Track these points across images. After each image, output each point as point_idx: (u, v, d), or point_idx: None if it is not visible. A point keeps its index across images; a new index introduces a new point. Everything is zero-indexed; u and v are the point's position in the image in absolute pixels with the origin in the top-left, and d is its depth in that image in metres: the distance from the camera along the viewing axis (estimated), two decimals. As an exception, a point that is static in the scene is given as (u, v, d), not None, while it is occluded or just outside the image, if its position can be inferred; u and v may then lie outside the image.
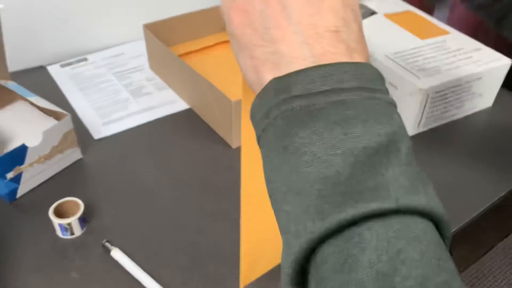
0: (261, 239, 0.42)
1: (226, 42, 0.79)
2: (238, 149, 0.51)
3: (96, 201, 0.53)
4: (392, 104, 0.25)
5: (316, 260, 0.22)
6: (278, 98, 0.24)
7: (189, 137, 0.64)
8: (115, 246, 0.48)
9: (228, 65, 0.74)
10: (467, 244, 0.52)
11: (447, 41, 0.70)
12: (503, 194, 0.55)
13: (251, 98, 0.27)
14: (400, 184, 0.22)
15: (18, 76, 0.71)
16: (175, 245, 0.49)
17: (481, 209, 0.53)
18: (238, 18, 0.27)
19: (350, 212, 0.21)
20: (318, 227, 0.21)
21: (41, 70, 0.76)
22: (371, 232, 0.21)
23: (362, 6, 0.78)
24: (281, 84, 0.25)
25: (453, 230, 0.51)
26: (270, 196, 0.26)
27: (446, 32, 0.72)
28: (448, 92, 0.63)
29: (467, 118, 0.67)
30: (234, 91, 0.62)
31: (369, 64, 0.25)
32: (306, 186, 0.22)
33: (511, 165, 0.59)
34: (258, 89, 0.27)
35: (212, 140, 0.63)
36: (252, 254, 0.43)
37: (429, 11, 1.26)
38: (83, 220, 0.50)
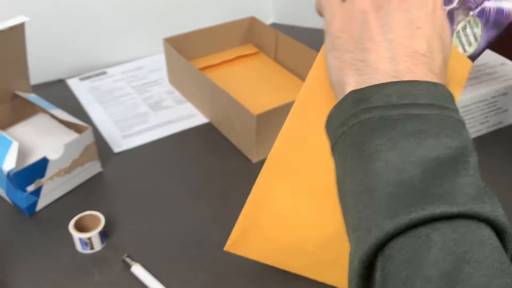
0: (264, 219, 0.42)
1: (246, 56, 0.79)
2: (259, 164, 0.50)
3: (116, 215, 0.53)
4: (461, 122, 0.27)
5: (384, 256, 0.23)
6: (356, 107, 0.27)
7: (209, 151, 0.63)
8: (136, 261, 0.47)
9: (248, 79, 0.73)
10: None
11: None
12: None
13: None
14: (467, 192, 0.23)
15: (38, 89, 0.72)
16: (197, 261, 0.48)
17: None
18: (340, 23, 0.31)
19: (420, 213, 0.23)
20: (389, 225, 0.23)
21: (61, 83, 0.76)
22: (438, 232, 0.22)
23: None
24: (360, 95, 0.27)
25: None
26: (341, 199, 0.28)
27: (469, 47, 0.71)
28: (473, 107, 0.62)
29: (492, 133, 0.66)
30: (255, 105, 0.62)
31: (442, 85, 0.28)
32: (379, 187, 0.24)
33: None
34: (338, 89, 0.30)
35: (232, 155, 0.62)
36: (246, 229, 0.42)
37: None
38: (103, 234, 0.49)
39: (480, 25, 0.44)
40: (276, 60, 0.78)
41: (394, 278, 0.23)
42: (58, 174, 0.53)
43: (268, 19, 0.95)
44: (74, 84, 0.75)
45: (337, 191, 0.29)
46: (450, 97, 0.28)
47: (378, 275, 0.24)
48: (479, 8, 0.43)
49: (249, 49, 0.80)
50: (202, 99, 0.68)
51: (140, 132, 0.65)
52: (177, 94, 0.73)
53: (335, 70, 0.30)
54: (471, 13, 0.43)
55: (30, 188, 0.51)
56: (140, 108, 0.70)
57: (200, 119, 0.68)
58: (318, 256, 0.43)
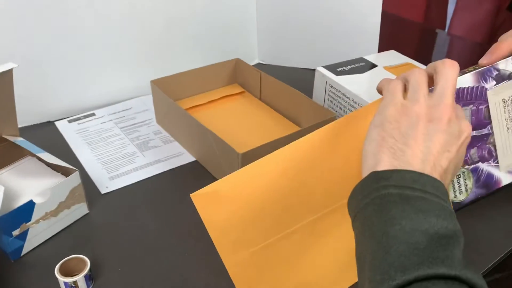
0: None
1: (232, 95, 0.81)
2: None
3: (103, 257, 0.52)
4: (453, 213, 0.34)
5: None
6: (378, 184, 0.35)
7: (196, 189, 0.63)
8: (122, 305, 0.47)
9: (234, 118, 0.75)
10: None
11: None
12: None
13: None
14: (461, 262, 0.30)
15: (27, 131, 0.73)
16: (183, 302, 0.48)
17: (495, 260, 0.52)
18: (396, 113, 0.38)
19: (426, 271, 0.29)
20: (400, 277, 0.29)
21: (49, 125, 0.77)
22: (435, 287, 0.29)
23: (362, 60, 0.80)
24: (382, 174, 0.35)
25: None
26: (358, 259, 0.35)
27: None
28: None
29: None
30: (240, 143, 0.63)
31: (444, 186, 0.36)
32: (393, 246, 0.31)
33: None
34: (369, 160, 0.37)
35: (219, 193, 0.62)
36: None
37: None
38: (89, 278, 0.49)
39: (472, 179, 0.50)
40: (261, 99, 0.80)
41: None
42: (44, 218, 0.53)
43: (254, 59, 0.98)
44: (62, 126, 0.76)
45: (355, 254, 0.35)
46: (446, 194, 0.35)
47: None
48: (473, 166, 0.50)
49: (235, 88, 0.82)
50: (188, 138, 0.69)
51: (128, 172, 0.66)
52: (164, 134, 0.74)
53: (375, 144, 0.38)
54: (466, 166, 0.49)
55: (16, 232, 0.51)
56: (128, 149, 0.71)
57: (187, 157, 0.69)
58: None
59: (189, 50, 0.86)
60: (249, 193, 0.41)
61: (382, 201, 0.34)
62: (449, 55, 1.19)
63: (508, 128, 0.49)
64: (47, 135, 0.74)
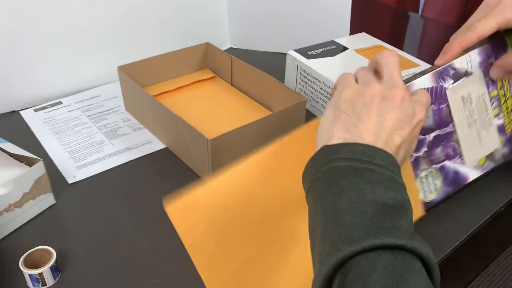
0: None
1: (202, 81, 0.80)
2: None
3: (70, 248, 0.51)
4: (403, 185, 0.35)
5: (342, 273, 0.30)
6: (328, 157, 0.35)
7: (166, 176, 0.63)
8: (90, 295, 0.46)
9: (205, 104, 0.74)
10: (450, 274, 0.52)
11: (417, 69, 0.72)
12: (482, 221, 0.55)
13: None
14: (408, 231, 0.31)
15: (-11, 122, 0.70)
16: (153, 291, 0.47)
17: (461, 239, 0.53)
18: (351, 95, 0.39)
19: (372, 241, 0.30)
20: (347, 249, 0.30)
21: (14, 115, 0.74)
22: (383, 257, 0.30)
23: (333, 43, 0.80)
24: (332, 148, 0.36)
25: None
26: (311, 232, 0.35)
27: (416, 65, 0.75)
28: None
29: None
30: (211, 129, 0.62)
31: (396, 159, 0.36)
32: (341, 218, 0.32)
33: (492, 193, 0.59)
34: (323, 136, 0.38)
35: (189, 179, 0.61)
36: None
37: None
38: (55, 269, 0.48)
39: (441, 178, 0.50)
40: (232, 84, 0.79)
41: None
42: (8, 209, 0.52)
43: (225, 44, 0.97)
44: (28, 116, 0.74)
45: (308, 226, 0.36)
46: (399, 170, 0.36)
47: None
48: (440, 164, 0.50)
49: (205, 74, 0.81)
50: (158, 125, 0.68)
51: (96, 161, 0.64)
52: (133, 121, 0.73)
53: (328, 120, 0.38)
54: (433, 166, 0.49)
55: (-22, 225, 0.49)
56: (95, 137, 0.69)
57: (157, 145, 0.68)
58: None
59: (158, 34, 0.84)
60: (228, 201, 0.40)
61: (332, 174, 0.34)
62: (422, 37, 1.20)
63: (469, 124, 0.50)
64: (11, 125, 0.72)
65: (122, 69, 0.71)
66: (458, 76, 0.48)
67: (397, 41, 1.05)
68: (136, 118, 0.73)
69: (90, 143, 0.68)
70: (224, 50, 0.81)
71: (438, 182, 0.50)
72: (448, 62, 0.47)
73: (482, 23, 0.45)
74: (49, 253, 0.48)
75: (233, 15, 0.93)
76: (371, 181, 0.33)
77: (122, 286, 0.48)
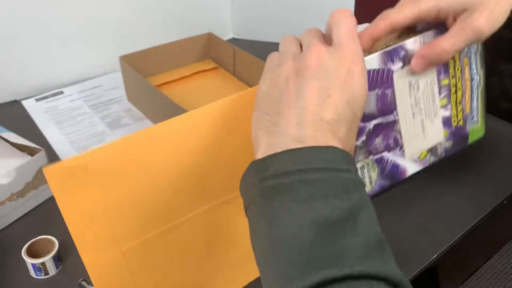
0: None
1: (205, 71, 0.79)
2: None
3: (71, 238, 0.51)
4: (354, 181, 0.28)
5: None
6: (258, 176, 0.29)
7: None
8: (92, 285, 0.46)
9: (207, 94, 0.74)
10: (453, 266, 0.52)
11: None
12: (484, 214, 0.55)
13: None
14: (354, 253, 0.25)
15: (-10, 111, 0.70)
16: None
17: (464, 231, 0.53)
18: (266, 86, 0.32)
19: (313, 279, 0.24)
20: None
21: (15, 104, 0.74)
22: None
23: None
24: (260, 165, 0.29)
25: (440, 252, 0.50)
26: (256, 260, 0.29)
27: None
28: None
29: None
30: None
31: (336, 148, 0.29)
32: (277, 254, 0.26)
33: (494, 186, 0.59)
34: (254, 146, 0.31)
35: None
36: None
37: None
38: (57, 258, 0.48)
39: (377, 170, 0.46)
40: (234, 74, 0.78)
41: None
42: (10, 199, 0.52)
43: (228, 34, 0.96)
44: (30, 105, 0.74)
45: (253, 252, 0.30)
46: (343, 158, 0.29)
47: None
48: (378, 156, 0.45)
49: (207, 64, 0.81)
50: (159, 116, 0.68)
51: (98, 151, 0.64)
52: (136, 111, 0.73)
53: (253, 130, 0.32)
54: (370, 157, 0.45)
55: (-20, 214, 0.49)
56: (97, 127, 0.69)
57: (159, 136, 0.68)
58: None
59: (159, 24, 0.84)
60: (128, 171, 0.33)
61: (262, 198, 0.28)
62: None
63: (413, 114, 0.45)
64: (13, 115, 0.72)
65: (124, 58, 0.70)
66: (408, 59, 0.42)
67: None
68: (139, 108, 0.73)
69: (92, 133, 0.68)
70: (227, 40, 0.80)
71: (374, 174, 0.46)
72: (377, 40, 0.41)
73: (395, 11, 0.38)
74: (51, 243, 0.48)
75: (236, 5, 0.92)
76: (306, 197, 0.27)
77: (124, 276, 0.48)
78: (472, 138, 0.50)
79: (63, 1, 0.72)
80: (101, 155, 0.31)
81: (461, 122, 0.49)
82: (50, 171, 0.29)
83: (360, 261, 0.24)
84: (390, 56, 0.41)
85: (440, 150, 0.49)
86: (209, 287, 0.42)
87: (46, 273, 0.47)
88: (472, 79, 0.47)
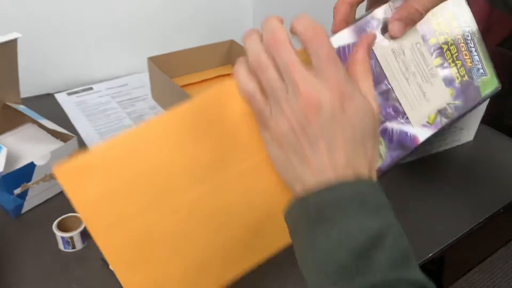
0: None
1: (224, 75, 0.84)
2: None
3: (97, 218, 0.56)
4: (382, 205, 0.33)
5: None
6: (301, 210, 0.33)
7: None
8: (114, 259, 0.50)
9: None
10: (449, 265, 0.55)
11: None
12: (481, 220, 0.59)
13: None
14: (388, 262, 0.30)
15: (27, 102, 0.75)
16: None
17: (460, 234, 0.56)
18: (276, 149, 0.35)
19: (362, 283, 0.30)
20: None
21: (49, 97, 0.80)
22: None
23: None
24: (303, 201, 0.33)
25: (435, 252, 0.54)
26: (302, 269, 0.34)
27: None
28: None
29: (449, 150, 0.71)
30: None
31: (365, 182, 0.33)
32: (320, 271, 0.32)
33: (488, 194, 0.63)
34: (290, 185, 0.35)
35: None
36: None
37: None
38: (84, 234, 0.52)
39: (384, 142, 0.44)
40: (253, 79, 0.83)
41: None
42: (44, 179, 0.57)
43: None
44: (62, 98, 0.79)
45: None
46: (371, 188, 0.33)
47: None
48: (381, 127, 0.44)
49: (228, 69, 0.86)
50: (182, 114, 0.73)
51: (123, 143, 0.69)
52: (160, 109, 0.78)
53: (285, 174, 0.35)
54: None
55: (17, 191, 0.54)
56: (123, 122, 0.74)
57: (180, 132, 0.73)
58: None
59: (184, 30, 0.89)
60: (129, 163, 0.36)
61: (306, 227, 0.33)
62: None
63: (407, 79, 0.44)
64: (46, 106, 0.77)
65: (152, 60, 0.76)
66: (384, 28, 0.42)
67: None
68: (162, 106, 0.78)
69: (118, 126, 0.73)
70: (247, 48, 0.85)
71: (382, 147, 0.45)
72: (340, 26, 0.41)
73: None
74: (79, 220, 0.53)
75: (257, 15, 0.98)
76: (342, 226, 0.31)
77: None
78: (484, 91, 0.47)
79: (98, 2, 0.78)
80: (102, 153, 0.35)
81: (465, 77, 0.47)
82: (59, 172, 0.33)
83: (392, 270, 0.30)
84: (362, 28, 0.41)
85: (450, 110, 0.47)
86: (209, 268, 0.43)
87: (73, 247, 0.52)
88: (463, 32, 0.46)
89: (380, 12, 0.41)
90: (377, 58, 0.42)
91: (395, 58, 0.43)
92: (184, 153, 0.37)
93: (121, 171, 0.35)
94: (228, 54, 0.86)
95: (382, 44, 0.42)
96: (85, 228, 0.52)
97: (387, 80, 0.43)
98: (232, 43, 0.85)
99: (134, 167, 0.36)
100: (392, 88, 0.43)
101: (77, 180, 0.34)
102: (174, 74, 0.81)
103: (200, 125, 0.37)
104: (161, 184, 0.37)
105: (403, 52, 0.43)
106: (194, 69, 0.84)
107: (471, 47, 0.46)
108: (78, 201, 0.34)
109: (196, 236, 0.40)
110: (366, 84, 0.35)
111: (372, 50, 0.41)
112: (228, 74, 0.85)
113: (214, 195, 0.39)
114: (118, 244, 0.36)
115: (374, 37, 0.39)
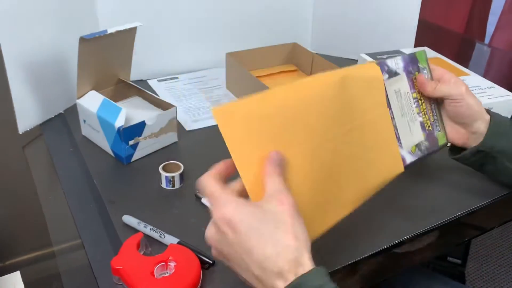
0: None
1: (285, 72, 0.99)
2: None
3: (189, 169, 0.71)
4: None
5: None
6: None
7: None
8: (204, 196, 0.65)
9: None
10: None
11: (467, 80, 0.87)
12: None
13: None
14: None
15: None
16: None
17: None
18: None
19: None
20: None
21: (143, 82, 0.97)
22: None
23: (399, 51, 0.97)
24: None
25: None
26: None
27: (466, 74, 0.90)
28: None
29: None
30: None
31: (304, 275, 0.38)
32: None
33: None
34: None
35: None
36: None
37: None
38: (182, 177, 0.67)
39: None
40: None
41: None
42: (150, 136, 0.73)
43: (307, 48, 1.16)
44: (154, 84, 0.97)
45: None
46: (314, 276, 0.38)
47: None
48: None
49: (290, 67, 1.01)
50: (253, 98, 0.88)
51: (204, 119, 0.85)
52: (232, 96, 0.93)
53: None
54: None
55: (131, 142, 0.71)
56: (203, 103, 0.90)
57: (250, 114, 0.88)
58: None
59: (254, 32, 1.05)
60: (276, 113, 0.43)
61: None
62: (488, 66, 1.31)
63: (402, 114, 0.57)
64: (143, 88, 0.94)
65: (229, 54, 0.92)
66: (390, 73, 0.56)
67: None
68: (235, 94, 0.94)
69: (200, 107, 0.89)
70: (308, 50, 1.00)
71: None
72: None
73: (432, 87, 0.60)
74: (178, 166, 0.68)
75: (316, 24, 1.13)
76: None
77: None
78: (440, 143, 0.62)
79: (190, 4, 0.95)
80: (254, 102, 0.43)
81: (430, 128, 0.61)
82: (216, 112, 0.41)
83: None
84: (381, 67, 0.55)
85: (423, 147, 0.60)
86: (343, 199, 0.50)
87: (173, 185, 0.67)
88: (430, 97, 0.60)
89: (389, 62, 0.57)
90: (387, 93, 0.56)
91: (396, 98, 0.57)
92: (322, 109, 0.46)
93: (269, 116, 0.43)
94: (291, 54, 1.01)
95: (389, 84, 0.56)
96: (182, 172, 0.67)
97: (392, 111, 0.56)
98: (295, 45, 1.00)
99: (281, 114, 0.43)
100: (394, 117, 0.56)
101: (229, 119, 0.41)
102: (247, 68, 0.97)
103: (338, 94, 0.48)
104: (304, 128, 0.45)
105: (401, 95, 0.58)
106: (262, 65, 0.99)
107: (433, 108, 0.62)
108: (228, 136, 0.42)
109: (337, 175, 0.48)
110: (270, 184, 0.42)
111: (385, 85, 0.55)
112: (290, 71, 0.99)
113: (343, 146, 0.49)
114: (256, 173, 0.43)
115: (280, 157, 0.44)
